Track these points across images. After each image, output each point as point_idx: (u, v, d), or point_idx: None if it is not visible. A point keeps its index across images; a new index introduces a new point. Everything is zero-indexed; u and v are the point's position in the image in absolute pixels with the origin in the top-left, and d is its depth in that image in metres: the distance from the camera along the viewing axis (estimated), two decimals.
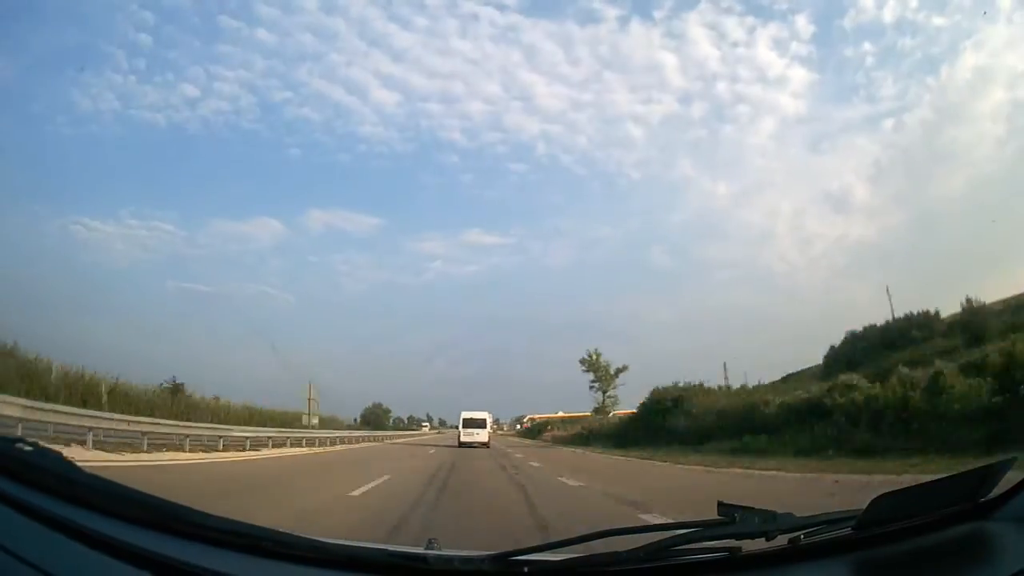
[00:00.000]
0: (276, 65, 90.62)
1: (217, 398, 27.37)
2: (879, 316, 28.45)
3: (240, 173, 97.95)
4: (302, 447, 23.32)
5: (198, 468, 12.15)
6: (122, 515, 1.28)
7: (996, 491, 1.41)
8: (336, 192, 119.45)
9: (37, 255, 60.23)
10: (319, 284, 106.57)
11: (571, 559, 1.36)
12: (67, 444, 10.60)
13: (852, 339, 28.07)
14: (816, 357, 31.17)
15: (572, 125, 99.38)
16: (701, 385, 29.83)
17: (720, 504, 1.38)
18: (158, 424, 15.32)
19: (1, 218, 55.85)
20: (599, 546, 1.39)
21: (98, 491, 1.32)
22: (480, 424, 31.54)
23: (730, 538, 1.32)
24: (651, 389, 31.05)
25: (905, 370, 14.87)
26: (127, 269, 76.51)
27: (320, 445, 25.83)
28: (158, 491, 1.40)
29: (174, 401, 23.02)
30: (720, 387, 33.17)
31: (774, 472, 11.79)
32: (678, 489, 10.24)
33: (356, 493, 8.35)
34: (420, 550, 1.50)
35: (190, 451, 15.43)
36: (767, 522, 1.32)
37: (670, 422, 26.05)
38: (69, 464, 1.39)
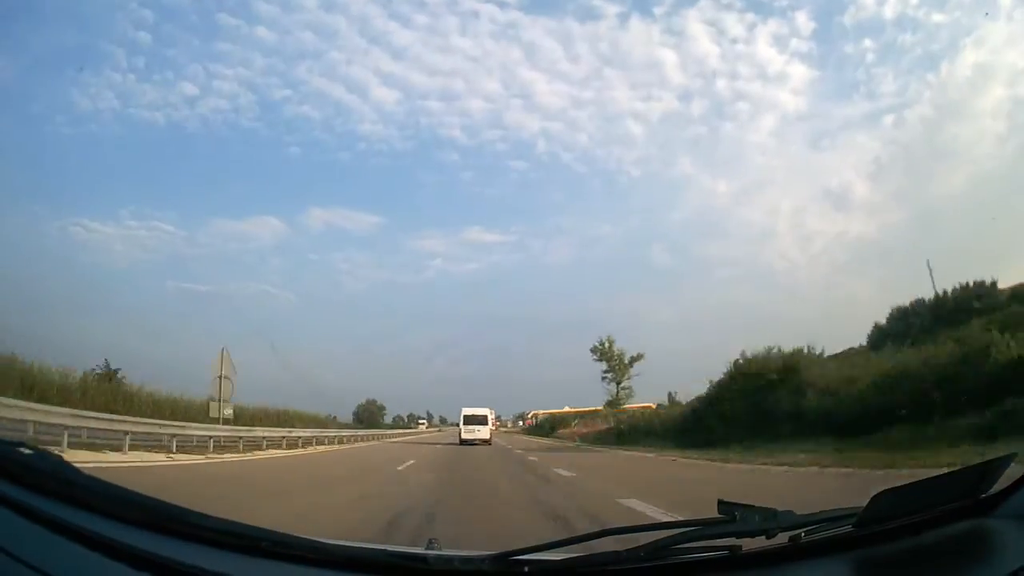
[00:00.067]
0: (276, 63, 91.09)
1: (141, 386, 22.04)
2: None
3: (240, 172, 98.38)
4: (239, 451, 17.29)
5: None
6: (121, 517, 1.28)
7: (996, 487, 1.41)
8: (336, 190, 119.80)
9: (37, 256, 60.29)
10: (320, 283, 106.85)
11: (571, 559, 1.36)
12: None
13: (900, 315, 24.90)
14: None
15: (572, 123, 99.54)
16: (812, 352, 21.39)
17: (720, 502, 1.38)
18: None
19: (1, 219, 55.87)
20: (599, 545, 1.39)
21: (98, 493, 1.32)
22: (481, 421, 31.43)
23: (730, 536, 1.32)
24: (735, 359, 22.21)
25: None
26: (127, 269, 76.71)
27: (260, 448, 19.24)
28: None
29: (100, 390, 19.21)
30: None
31: None
32: None
33: None
34: (420, 550, 1.50)
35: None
36: (767, 520, 1.32)
37: (774, 405, 18.27)
38: (69, 467, 1.40)
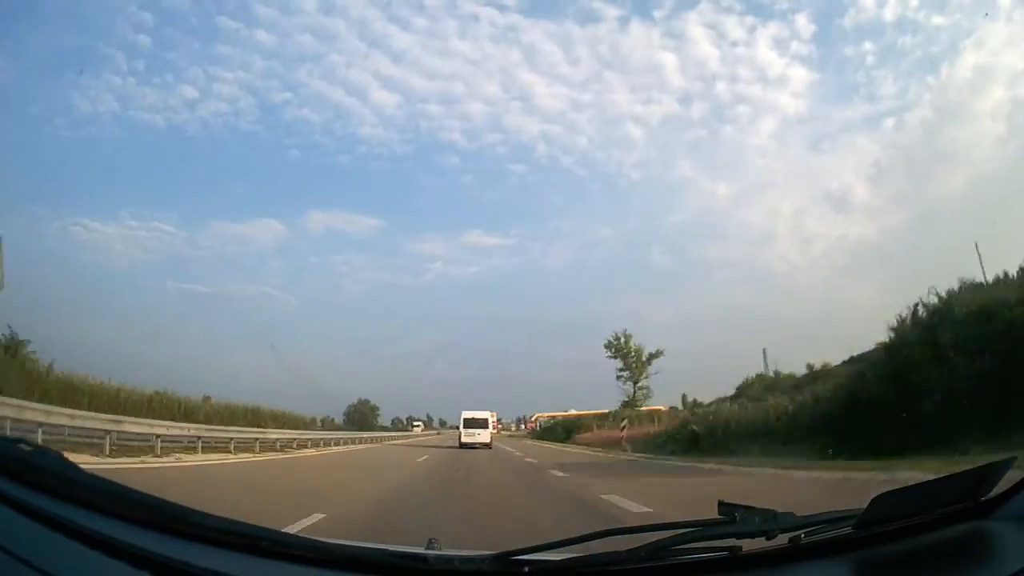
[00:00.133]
0: (275, 66, 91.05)
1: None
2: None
3: (240, 174, 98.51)
4: (199, 453, 15.25)
5: None
6: (121, 515, 1.28)
7: (996, 490, 1.41)
8: (336, 193, 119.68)
9: (37, 256, 60.19)
10: (320, 285, 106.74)
11: (571, 559, 1.36)
12: None
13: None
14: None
15: (572, 126, 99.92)
16: None
17: (720, 503, 1.38)
18: None
19: (1, 220, 55.81)
20: (599, 546, 1.38)
21: (98, 491, 1.32)
22: (482, 424, 31.07)
23: (730, 537, 1.32)
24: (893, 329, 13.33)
25: None
26: (127, 270, 76.57)
27: (229, 451, 16.94)
28: None
29: None
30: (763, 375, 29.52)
31: None
32: None
33: None
34: (420, 550, 1.50)
35: None
36: (767, 521, 1.32)
37: None
38: (69, 464, 1.39)
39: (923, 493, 1.43)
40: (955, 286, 13.68)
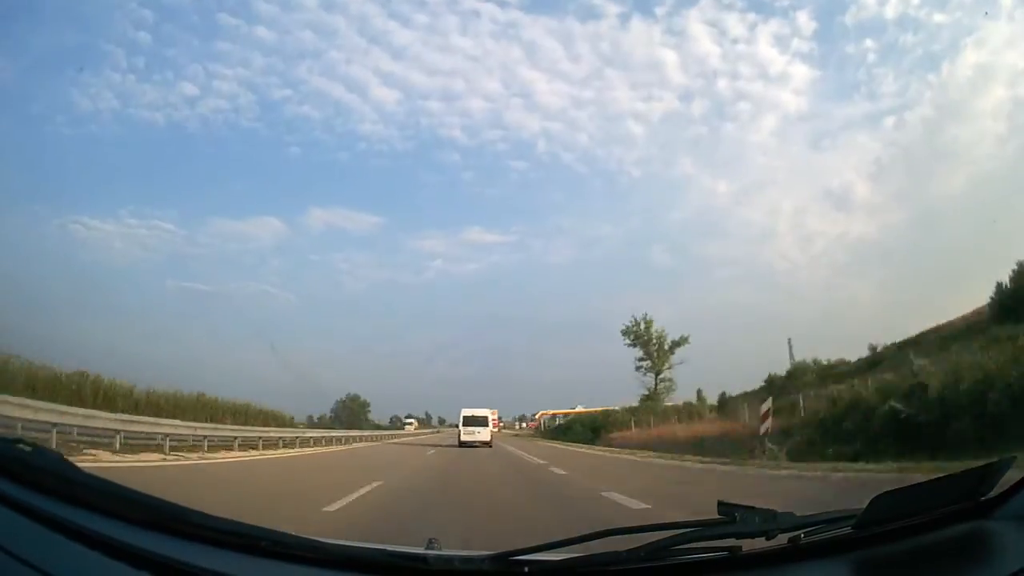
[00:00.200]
0: (275, 63, 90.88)
1: None
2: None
3: (240, 172, 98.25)
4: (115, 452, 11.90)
5: None
6: (121, 515, 1.28)
7: (996, 490, 1.41)
8: (336, 190, 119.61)
9: (37, 255, 60.14)
10: (320, 283, 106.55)
11: (571, 559, 1.36)
12: None
13: None
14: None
15: (573, 123, 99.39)
16: None
17: (720, 503, 1.38)
18: None
19: (1, 218, 55.76)
20: (599, 546, 1.38)
21: (97, 491, 1.32)
22: (482, 422, 30.56)
23: (730, 537, 1.32)
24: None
25: None
26: (127, 268, 76.38)
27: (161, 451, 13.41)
28: None
29: None
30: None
31: None
32: None
33: None
34: (420, 550, 1.50)
35: None
36: (767, 521, 1.32)
37: None
38: (68, 465, 1.39)
39: (923, 493, 1.43)
40: None
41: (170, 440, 14.73)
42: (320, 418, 58.06)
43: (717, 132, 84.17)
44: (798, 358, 31.57)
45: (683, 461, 16.88)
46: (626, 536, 1.39)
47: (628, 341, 42.90)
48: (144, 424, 14.47)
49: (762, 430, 15.53)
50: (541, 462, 16.48)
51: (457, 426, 31.67)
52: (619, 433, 34.14)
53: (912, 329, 27.83)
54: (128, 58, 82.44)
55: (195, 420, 18.93)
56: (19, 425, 11.28)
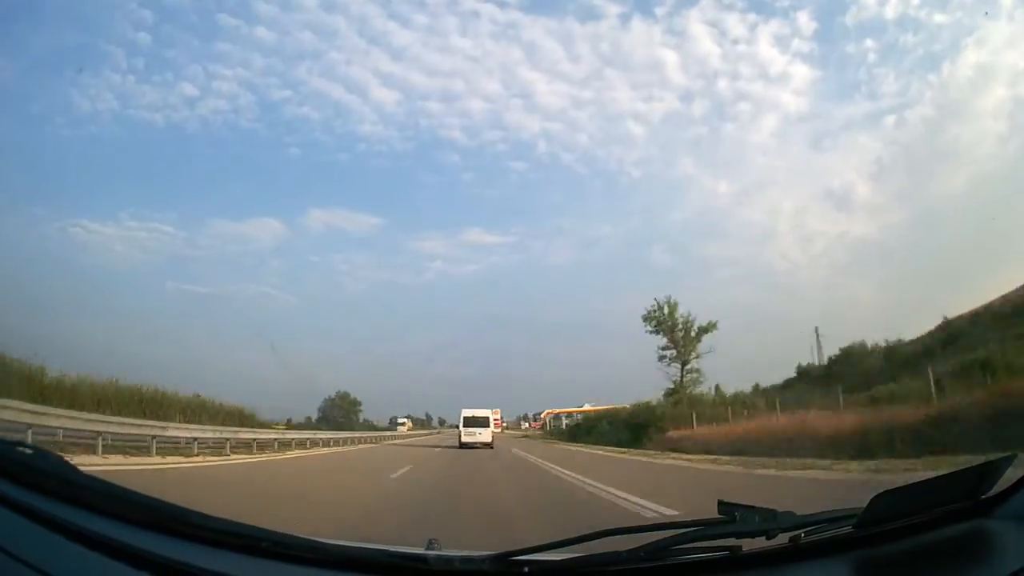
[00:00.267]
0: (275, 63, 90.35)
1: None
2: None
3: (239, 173, 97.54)
4: None
5: None
6: (121, 516, 1.29)
7: (996, 489, 1.41)
8: (336, 191, 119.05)
9: (37, 257, 60.02)
10: (320, 284, 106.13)
11: (571, 559, 1.36)
12: None
13: None
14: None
15: (573, 123, 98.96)
16: None
17: (720, 503, 1.38)
18: None
19: (1, 219, 55.67)
20: (599, 546, 1.38)
21: (97, 493, 1.32)
22: (482, 423, 29.94)
23: (730, 537, 1.32)
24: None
25: None
26: (127, 271, 76.14)
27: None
28: None
29: None
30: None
31: None
32: None
33: None
34: (420, 550, 1.50)
35: None
36: (767, 521, 1.32)
37: None
38: (69, 466, 1.40)
39: (923, 492, 1.42)
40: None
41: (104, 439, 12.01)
42: (307, 419, 54.22)
43: (717, 132, 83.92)
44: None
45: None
46: (626, 536, 1.39)
47: (650, 328, 37.82)
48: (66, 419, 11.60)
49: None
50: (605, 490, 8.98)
51: (458, 427, 31.36)
52: (670, 433, 25.61)
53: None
54: (128, 59, 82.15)
55: (132, 417, 14.89)
56: None
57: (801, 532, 1.35)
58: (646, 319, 38.04)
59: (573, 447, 31.90)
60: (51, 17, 62.96)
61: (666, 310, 37.60)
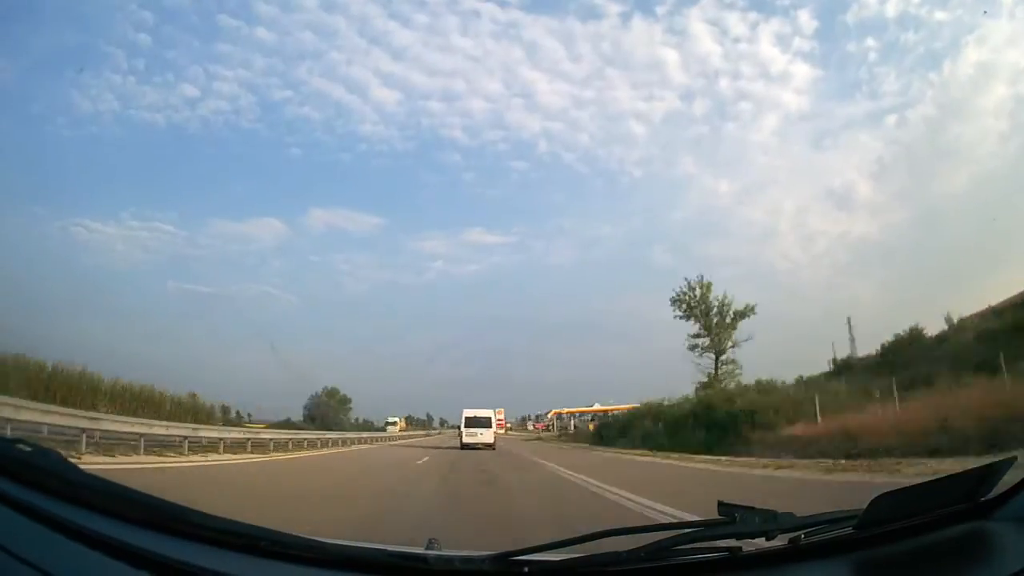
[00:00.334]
0: (276, 64, 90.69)
1: None
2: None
3: (241, 173, 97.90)
4: None
5: None
6: (121, 515, 1.29)
7: (996, 491, 1.41)
8: (337, 191, 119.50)
9: (38, 257, 60.02)
10: (321, 284, 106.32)
11: (572, 559, 1.36)
12: None
13: None
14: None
15: (574, 123, 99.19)
16: None
17: (720, 504, 1.38)
18: None
19: (1, 220, 55.68)
20: (599, 546, 1.38)
21: (97, 491, 1.32)
22: (484, 423, 29.23)
23: (730, 538, 1.32)
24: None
25: None
26: (128, 271, 76.24)
27: None
28: None
29: None
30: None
31: None
32: None
33: None
34: (420, 550, 1.50)
35: None
36: (768, 522, 1.32)
37: None
38: (69, 465, 1.40)
39: (923, 493, 1.42)
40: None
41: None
42: (286, 420, 48.49)
43: (718, 132, 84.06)
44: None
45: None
46: (626, 536, 1.39)
47: (679, 313, 32.83)
48: None
49: None
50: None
51: (459, 428, 30.68)
52: (792, 428, 18.78)
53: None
54: (128, 59, 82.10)
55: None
56: None
57: (801, 533, 1.35)
58: (675, 302, 33.11)
59: (624, 455, 23.21)
60: (51, 17, 63.13)
61: (698, 292, 32.39)
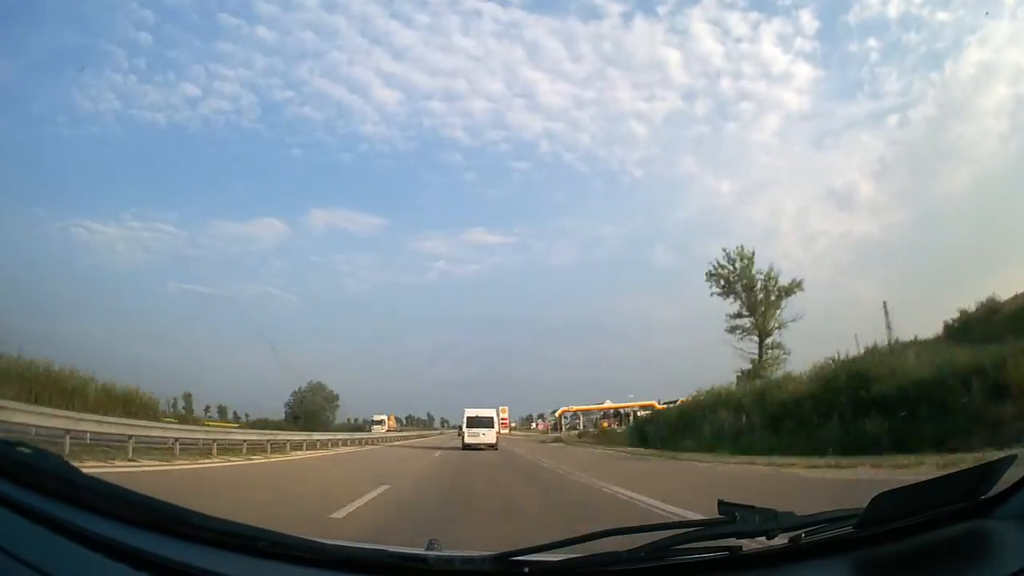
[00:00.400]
0: (277, 63, 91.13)
1: None
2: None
3: (241, 173, 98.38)
4: None
5: None
6: (121, 517, 1.29)
7: (996, 489, 1.41)
8: (338, 192, 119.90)
9: (39, 257, 59.96)
10: (322, 285, 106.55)
11: (572, 559, 1.36)
12: None
13: None
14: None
15: (575, 123, 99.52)
16: None
17: (720, 503, 1.38)
18: None
19: (2, 220, 55.66)
20: (599, 546, 1.38)
21: (98, 493, 1.32)
22: (486, 423, 28.56)
23: (731, 537, 1.32)
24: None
25: None
26: (129, 271, 76.26)
27: None
28: None
29: None
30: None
31: None
32: None
33: None
34: (420, 550, 1.50)
35: None
36: (768, 521, 1.32)
37: None
38: (69, 467, 1.40)
39: (923, 492, 1.42)
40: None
41: None
42: (262, 419, 43.59)
43: (720, 131, 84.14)
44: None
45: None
46: (626, 536, 1.39)
47: (717, 290, 28.26)
48: None
49: None
50: None
51: (459, 428, 30.39)
52: None
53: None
54: (129, 59, 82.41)
55: None
56: None
57: (801, 532, 1.35)
58: (711, 276, 28.32)
59: (753, 466, 12.98)
60: (51, 17, 63.19)
61: (738, 265, 27.59)
